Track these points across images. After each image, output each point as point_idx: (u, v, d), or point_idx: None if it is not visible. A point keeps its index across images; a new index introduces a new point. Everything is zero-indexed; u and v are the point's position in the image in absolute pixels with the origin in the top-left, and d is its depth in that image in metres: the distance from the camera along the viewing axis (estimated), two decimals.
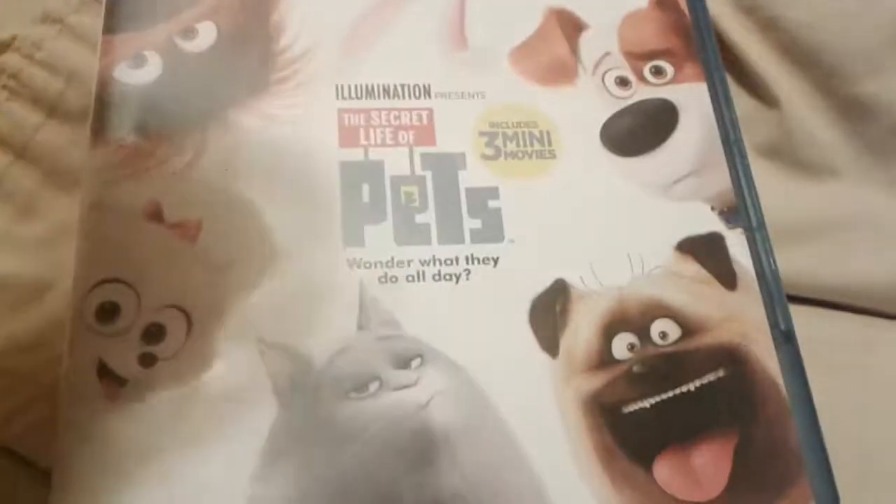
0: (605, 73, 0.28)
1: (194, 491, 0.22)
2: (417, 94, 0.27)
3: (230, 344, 0.23)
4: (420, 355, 0.24)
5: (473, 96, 0.28)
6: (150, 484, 0.22)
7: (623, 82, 0.28)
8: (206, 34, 0.27)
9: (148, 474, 0.22)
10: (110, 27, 0.27)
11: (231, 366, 0.23)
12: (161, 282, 0.24)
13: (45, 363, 0.26)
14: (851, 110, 0.32)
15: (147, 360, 0.23)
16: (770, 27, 0.33)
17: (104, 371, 0.23)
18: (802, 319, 0.26)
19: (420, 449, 0.23)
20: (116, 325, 0.23)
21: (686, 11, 0.30)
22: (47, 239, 0.29)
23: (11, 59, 0.30)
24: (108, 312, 0.23)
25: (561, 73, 0.28)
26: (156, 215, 0.25)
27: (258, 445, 0.22)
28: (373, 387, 0.23)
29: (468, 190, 0.26)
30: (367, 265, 0.25)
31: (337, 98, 0.27)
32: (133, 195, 0.25)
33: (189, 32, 0.27)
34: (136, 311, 0.23)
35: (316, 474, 0.22)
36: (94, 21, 0.31)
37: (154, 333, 0.23)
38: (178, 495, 0.22)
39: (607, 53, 0.29)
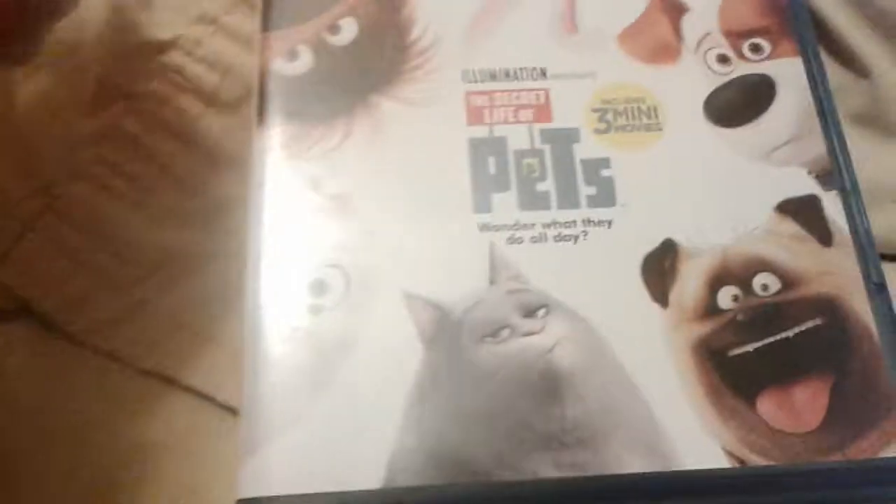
0: (707, 51, 0.31)
1: (354, 421, 0.26)
2: (534, 76, 0.31)
3: (382, 297, 0.27)
4: (545, 306, 0.27)
5: (585, 76, 0.31)
6: (318, 415, 0.26)
7: (723, 59, 0.31)
8: (349, 29, 0.31)
9: (316, 405, 0.26)
10: (267, 26, 0.31)
11: (383, 315, 0.27)
12: (322, 244, 0.28)
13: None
14: None
15: (315, 310, 0.27)
16: (860, 2, 0.35)
17: (281, 323, 0.27)
18: (893, 275, 0.29)
19: (547, 386, 0.26)
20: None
21: None
22: (208, 213, 0.33)
23: (176, 57, 0.34)
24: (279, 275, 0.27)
25: (665, 52, 0.31)
26: (315, 188, 0.29)
27: (408, 383, 0.26)
28: (504, 333, 0.27)
29: (583, 161, 0.29)
30: (496, 228, 0.28)
31: (463, 82, 0.31)
32: (294, 172, 0.29)
33: (334, 28, 0.31)
34: (304, 268, 0.27)
35: (458, 406, 0.26)
36: (243, 21, 0.35)
37: (318, 287, 0.27)
38: (341, 424, 0.26)
39: (708, 33, 0.31)
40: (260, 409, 0.26)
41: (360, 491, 0.25)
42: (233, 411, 0.27)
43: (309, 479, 0.25)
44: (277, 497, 0.24)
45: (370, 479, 0.25)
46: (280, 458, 0.25)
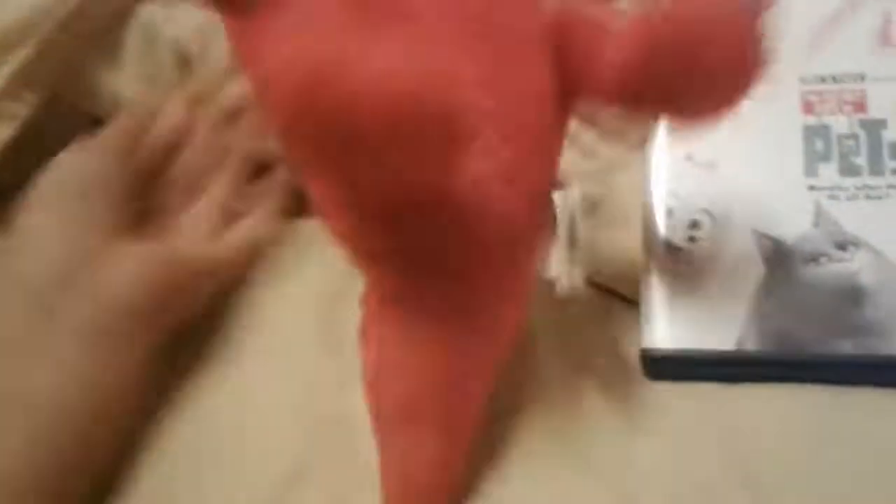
0: None
1: (716, 308, 0.41)
2: (856, 79, 0.43)
3: (736, 232, 0.42)
4: (854, 243, 0.40)
5: (894, 80, 0.43)
6: (694, 303, 0.41)
7: None
8: None
9: (693, 298, 0.41)
10: None
11: (738, 243, 0.42)
12: (697, 196, 0.43)
13: None
14: None
15: (692, 240, 0.42)
16: None
17: (669, 246, 0.43)
18: None
19: (852, 295, 0.39)
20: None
21: None
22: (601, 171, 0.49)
23: None
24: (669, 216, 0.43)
25: None
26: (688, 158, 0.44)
27: (754, 286, 0.41)
28: (823, 260, 0.40)
29: (889, 143, 0.42)
30: (820, 188, 0.42)
31: (800, 83, 0.44)
32: (676, 149, 0.44)
33: None
34: (685, 212, 0.43)
35: (789, 304, 0.40)
36: None
37: (695, 225, 0.42)
38: (708, 310, 0.41)
39: None
40: (653, 293, 0.42)
41: (719, 350, 0.40)
42: None
43: (685, 341, 0.40)
44: (670, 349, 0.40)
45: (727, 343, 0.40)
46: (668, 325, 0.41)
